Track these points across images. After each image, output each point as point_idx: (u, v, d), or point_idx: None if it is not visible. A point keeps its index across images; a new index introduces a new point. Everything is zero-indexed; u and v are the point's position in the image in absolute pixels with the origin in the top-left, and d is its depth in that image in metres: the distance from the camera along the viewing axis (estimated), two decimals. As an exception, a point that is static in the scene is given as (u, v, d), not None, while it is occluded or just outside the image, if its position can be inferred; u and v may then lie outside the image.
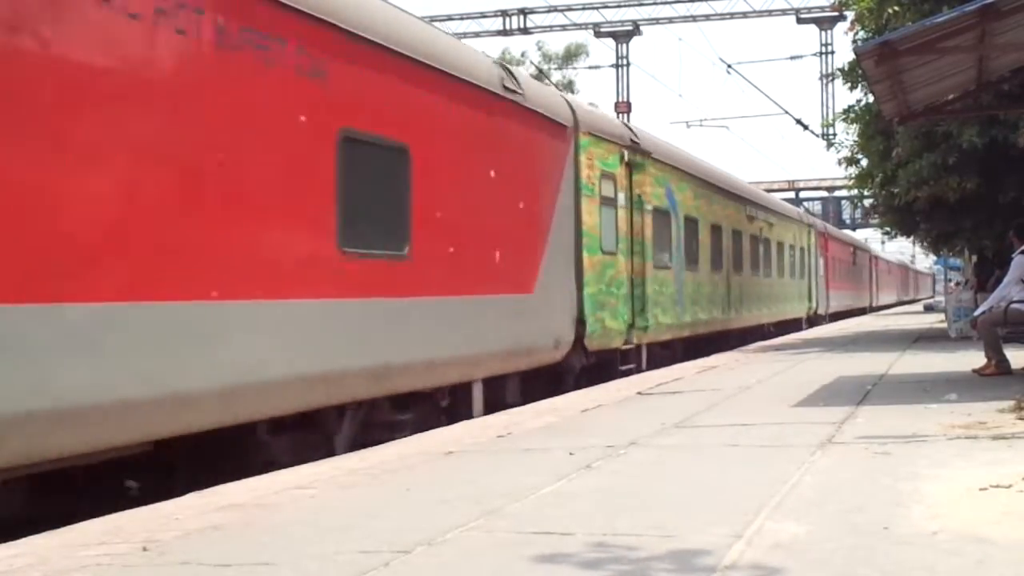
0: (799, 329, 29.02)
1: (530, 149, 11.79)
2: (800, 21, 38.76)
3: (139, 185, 6.25)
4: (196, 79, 6.69)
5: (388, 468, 6.38)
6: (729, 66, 32.27)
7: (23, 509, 6.27)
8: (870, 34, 16.26)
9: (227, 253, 6.90)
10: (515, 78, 11.54)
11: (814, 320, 32.83)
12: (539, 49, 47.48)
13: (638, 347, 15.22)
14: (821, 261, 34.65)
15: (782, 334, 25.52)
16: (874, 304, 51.98)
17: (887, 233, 34.36)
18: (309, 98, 7.75)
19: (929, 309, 44.56)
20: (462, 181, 10.05)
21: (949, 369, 11.56)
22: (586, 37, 43.98)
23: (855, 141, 21.32)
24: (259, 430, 7.48)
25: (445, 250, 9.63)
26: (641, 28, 40.44)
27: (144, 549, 4.36)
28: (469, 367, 10.17)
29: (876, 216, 31.55)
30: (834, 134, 24.83)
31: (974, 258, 25.38)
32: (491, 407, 10.29)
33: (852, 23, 18.53)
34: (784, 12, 38.70)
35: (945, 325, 22.37)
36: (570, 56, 47.47)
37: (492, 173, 10.62)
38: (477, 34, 39.00)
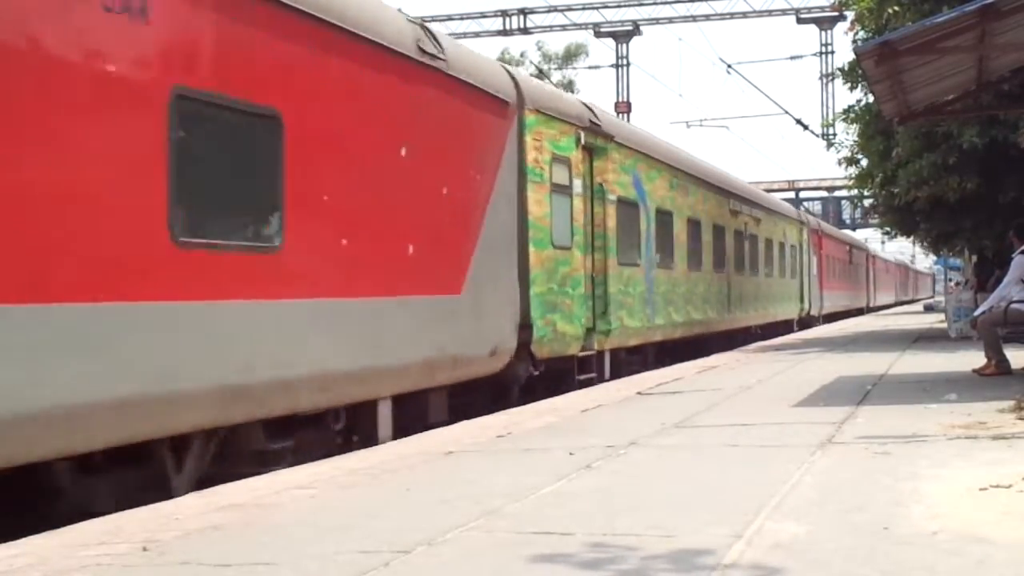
0: (790, 331, 27.65)
1: (457, 125, 10.04)
2: (800, 21, 38.79)
3: None
4: None
5: (388, 468, 6.38)
6: (729, 66, 32.33)
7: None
8: (870, 34, 16.27)
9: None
10: (437, 42, 9.82)
11: (806, 322, 31.57)
12: (539, 49, 47.55)
13: (600, 354, 13.75)
14: (814, 260, 33.34)
15: (771, 337, 24.17)
16: (871, 305, 51.09)
17: (887, 233, 34.35)
18: (122, 44, 6.05)
19: (929, 309, 44.54)
20: (360, 159, 8.39)
21: (949, 369, 11.55)
22: (586, 37, 44.05)
23: (855, 141, 21.34)
24: (58, 471, 6.01)
25: (335, 242, 8.03)
26: (641, 28, 40.47)
27: (144, 549, 4.36)
28: (371, 383, 8.50)
29: (876, 216, 31.55)
30: (834, 134, 24.85)
31: (974, 258, 25.38)
32: (406, 430, 8.71)
33: (852, 23, 18.55)
34: (784, 12, 38.73)
35: (945, 325, 22.37)
36: (570, 56, 47.51)
37: (403, 151, 8.99)
38: (477, 34, 39.04)
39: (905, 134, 16.95)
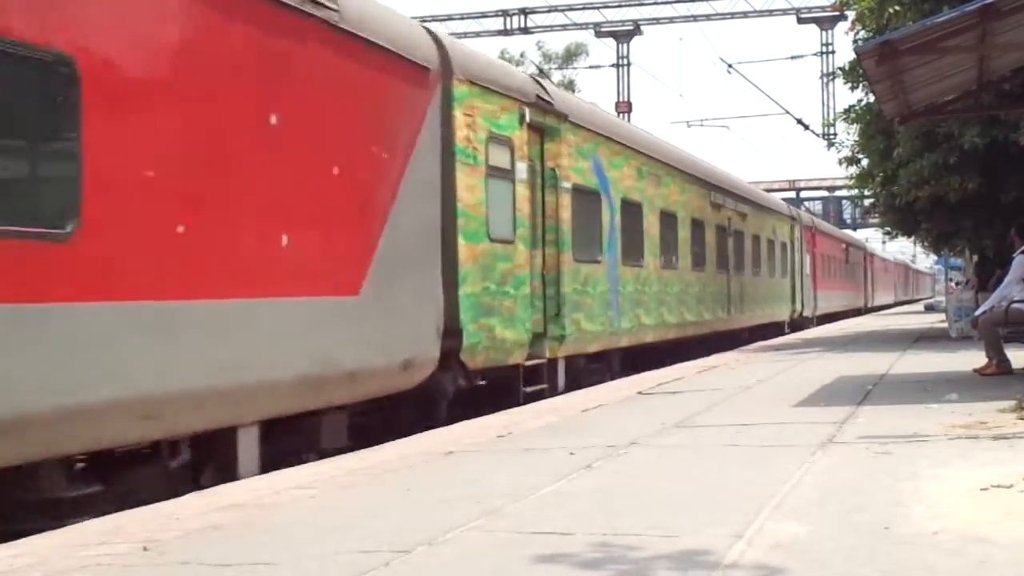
0: (780, 334, 26.10)
1: (353, 93, 8.37)
2: (801, 21, 38.82)
3: None
4: None
5: (388, 468, 6.38)
6: (730, 66, 32.36)
7: None
8: (871, 34, 16.26)
9: None
10: None
11: (799, 324, 29.90)
12: (539, 49, 47.52)
13: (552, 362, 12.21)
14: (807, 258, 31.76)
15: (759, 340, 22.71)
16: (869, 305, 49.96)
17: (888, 233, 34.33)
18: None
19: (930, 309, 44.51)
20: (204, 126, 6.76)
21: (950, 369, 11.55)
22: (587, 37, 44.05)
23: (856, 141, 21.33)
24: None
25: (165, 229, 6.37)
26: (642, 28, 40.53)
27: (144, 549, 4.36)
28: (224, 407, 6.86)
29: (877, 216, 31.53)
30: (835, 134, 24.82)
31: (975, 258, 25.37)
32: (285, 461, 7.29)
33: (853, 23, 18.55)
34: (785, 12, 38.78)
35: (946, 325, 22.37)
36: (570, 56, 47.48)
37: (274, 120, 7.35)
38: (478, 34, 39.07)
39: (906, 134, 16.95)
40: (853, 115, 19.77)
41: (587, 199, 13.54)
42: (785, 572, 3.55)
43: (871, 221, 45.06)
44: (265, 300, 7.23)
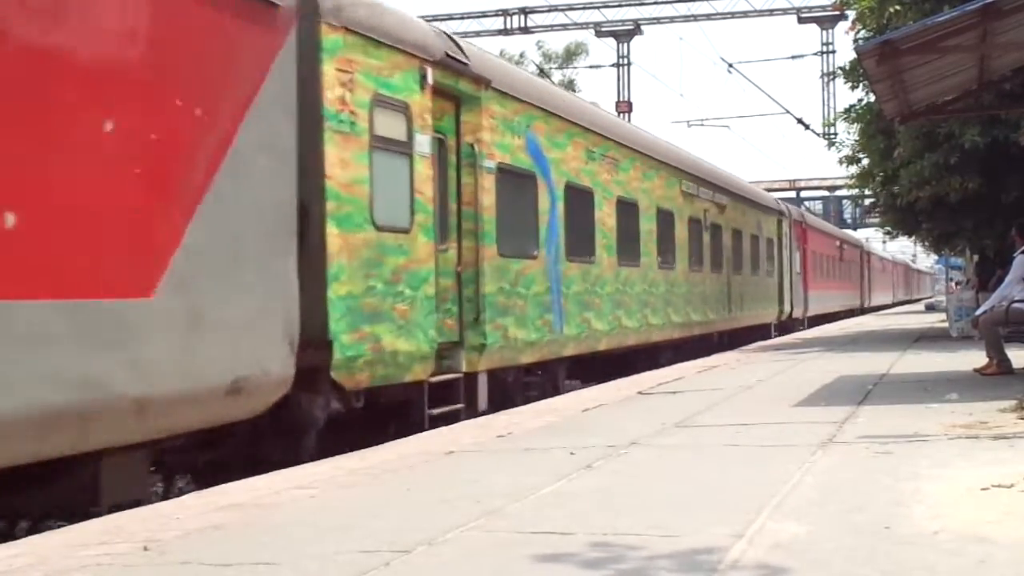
0: (766, 337, 24.55)
1: (138, 28, 6.21)
2: (801, 20, 38.82)
3: None
4: None
5: (388, 468, 6.38)
6: (730, 65, 32.43)
7: None
8: (871, 33, 16.26)
9: None
10: None
11: (787, 326, 28.10)
12: (539, 48, 47.51)
13: (471, 377, 10.24)
14: (797, 255, 29.77)
15: (741, 344, 20.99)
16: (866, 306, 48.51)
17: (888, 233, 34.32)
18: None
19: (930, 308, 44.49)
20: None
21: (950, 369, 11.55)
22: (587, 37, 44.05)
23: (856, 140, 21.34)
24: None
25: None
26: (642, 27, 40.50)
27: (145, 549, 4.36)
28: None
29: (877, 215, 31.48)
30: (835, 133, 24.83)
31: (975, 258, 25.37)
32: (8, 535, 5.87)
33: (853, 22, 18.55)
34: (785, 11, 38.77)
35: (946, 325, 22.38)
36: (570, 56, 47.47)
37: None
38: (478, 33, 39.02)
39: (906, 134, 16.95)
40: (853, 115, 19.77)
41: (518, 182, 11.57)
42: (786, 572, 3.54)
43: (871, 221, 44.97)
44: None
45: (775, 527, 4.20)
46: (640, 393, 10.70)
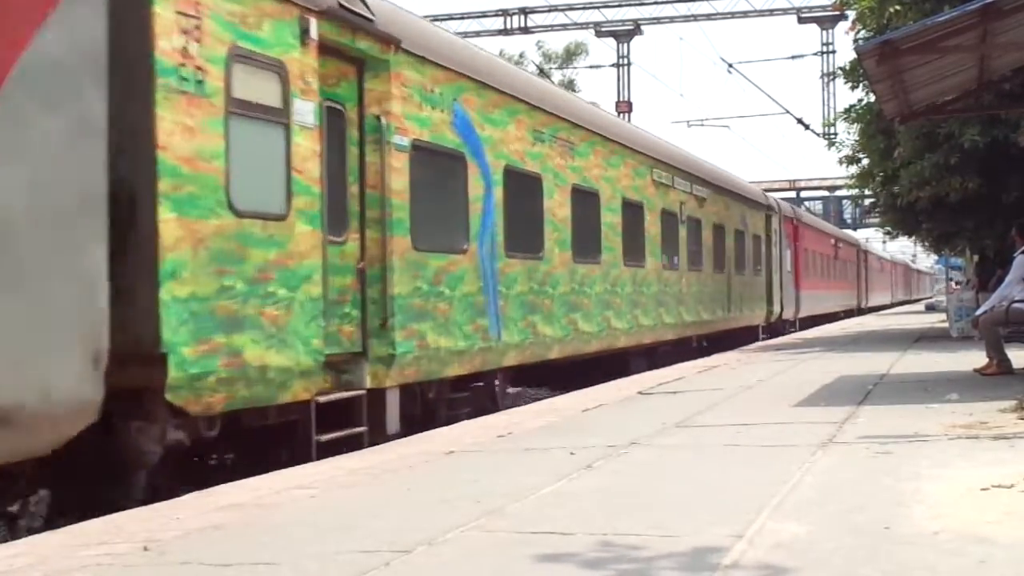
0: (753, 340, 23.39)
1: None
2: (801, 20, 38.82)
3: None
4: None
5: (388, 468, 6.38)
6: (730, 65, 32.42)
7: None
8: (871, 33, 16.26)
9: None
10: None
11: (777, 328, 26.68)
12: (539, 49, 47.51)
13: (377, 394, 8.62)
14: (788, 254, 28.04)
15: (723, 349, 19.51)
16: (864, 306, 47.52)
17: (888, 233, 34.32)
18: None
19: (931, 309, 44.49)
20: None
21: (950, 369, 11.55)
22: (587, 37, 44.05)
23: (856, 140, 21.35)
24: None
25: None
26: (642, 27, 40.50)
27: (145, 549, 4.36)
28: None
29: (877, 215, 31.47)
30: (835, 133, 24.82)
31: (976, 258, 25.38)
32: None
33: (853, 22, 18.56)
34: (785, 12, 38.77)
35: (946, 325, 22.38)
36: (570, 56, 47.46)
37: None
38: (478, 33, 39.01)
39: (906, 134, 16.95)
40: (853, 115, 19.77)
41: (441, 163, 9.95)
42: (786, 572, 3.54)
43: (871, 221, 44.94)
44: None
45: (775, 527, 4.20)
46: (640, 393, 10.70)
